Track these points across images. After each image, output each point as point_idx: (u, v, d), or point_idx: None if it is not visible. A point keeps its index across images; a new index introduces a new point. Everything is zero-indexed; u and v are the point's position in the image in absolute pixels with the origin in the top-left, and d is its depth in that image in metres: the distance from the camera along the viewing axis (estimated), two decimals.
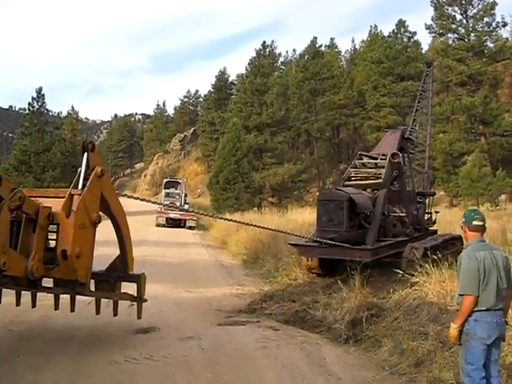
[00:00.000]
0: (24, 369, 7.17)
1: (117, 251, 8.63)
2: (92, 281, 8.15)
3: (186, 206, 43.66)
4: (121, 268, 8.61)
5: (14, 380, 6.72)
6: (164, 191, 45.39)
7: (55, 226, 7.26)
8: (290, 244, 15.07)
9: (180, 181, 48.27)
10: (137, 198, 10.08)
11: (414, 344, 7.94)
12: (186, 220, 40.58)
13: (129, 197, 10.36)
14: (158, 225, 40.05)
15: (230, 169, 49.39)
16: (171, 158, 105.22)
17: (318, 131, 69.71)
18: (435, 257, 11.26)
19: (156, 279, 15.37)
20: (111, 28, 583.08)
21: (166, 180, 49.11)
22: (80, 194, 7.40)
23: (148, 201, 10.63)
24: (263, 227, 13.32)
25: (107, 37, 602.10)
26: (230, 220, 13.10)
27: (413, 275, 11.07)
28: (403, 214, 15.86)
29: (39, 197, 7.53)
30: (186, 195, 46.21)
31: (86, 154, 7.78)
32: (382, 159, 15.37)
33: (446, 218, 23.10)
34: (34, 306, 8.75)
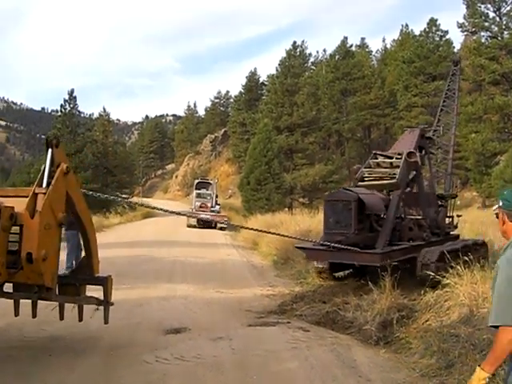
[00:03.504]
0: (55, 368, 7.25)
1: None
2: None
3: (217, 207, 43.82)
4: (86, 270, 8.12)
5: (45, 379, 6.79)
6: (195, 192, 45.68)
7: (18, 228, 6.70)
8: (296, 247, 14.58)
9: (211, 181, 48.51)
10: (153, 208, 9.66)
11: (445, 346, 7.86)
12: (217, 221, 40.46)
13: (152, 208, 9.95)
14: (189, 226, 40.18)
15: (261, 169, 49.39)
16: (202, 159, 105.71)
17: (349, 131, 69.64)
18: (466, 258, 10.98)
19: (187, 280, 15.55)
20: (140, 30, 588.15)
21: (197, 181, 49.44)
22: (45, 193, 6.86)
23: (166, 211, 10.08)
24: (279, 234, 13.12)
25: (136, 39, 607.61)
26: (246, 228, 12.96)
27: (444, 277, 10.93)
28: (420, 217, 15.08)
29: None
30: (217, 196, 46.38)
31: (50, 150, 7.19)
32: (397, 158, 14.26)
33: (479, 219, 22.81)
34: None
